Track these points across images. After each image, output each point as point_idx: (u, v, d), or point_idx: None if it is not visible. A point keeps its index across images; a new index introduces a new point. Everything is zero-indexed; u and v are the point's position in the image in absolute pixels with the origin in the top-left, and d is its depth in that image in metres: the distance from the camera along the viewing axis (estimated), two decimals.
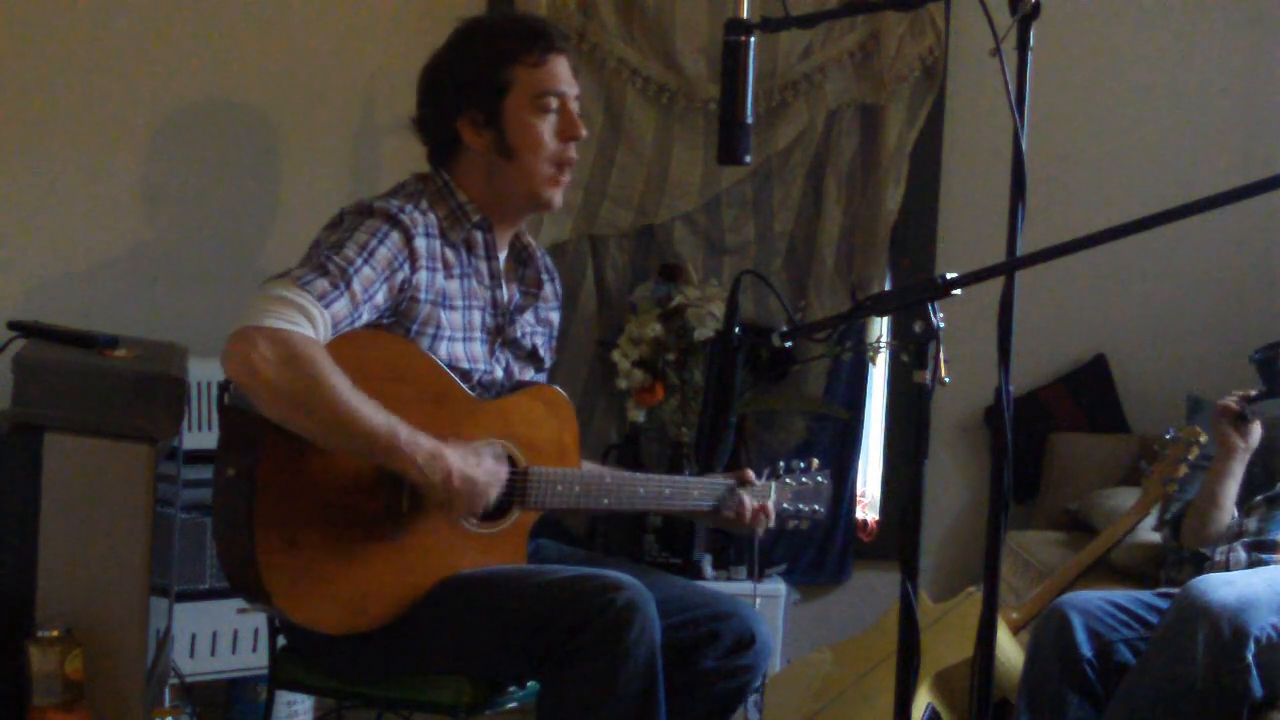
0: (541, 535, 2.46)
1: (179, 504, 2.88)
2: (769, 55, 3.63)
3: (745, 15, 1.85)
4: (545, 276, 2.46)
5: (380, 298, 2.15)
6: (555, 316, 2.50)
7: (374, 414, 2.04)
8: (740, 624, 2.30)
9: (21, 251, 3.35)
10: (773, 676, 3.15)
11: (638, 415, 3.55)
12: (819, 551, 3.81)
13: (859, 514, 3.91)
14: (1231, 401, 2.87)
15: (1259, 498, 2.95)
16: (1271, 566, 2.72)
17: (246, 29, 3.46)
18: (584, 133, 2.32)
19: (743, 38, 1.84)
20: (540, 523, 2.34)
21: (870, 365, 3.77)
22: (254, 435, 2.06)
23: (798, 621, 3.73)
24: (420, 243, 2.20)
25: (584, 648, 2.04)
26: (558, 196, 2.34)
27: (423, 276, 2.20)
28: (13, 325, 2.67)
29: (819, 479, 2.53)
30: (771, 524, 2.45)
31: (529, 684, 2.31)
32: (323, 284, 2.07)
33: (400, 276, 2.18)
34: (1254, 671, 2.39)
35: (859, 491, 3.92)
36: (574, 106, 2.31)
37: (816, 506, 2.54)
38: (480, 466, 2.12)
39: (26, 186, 3.36)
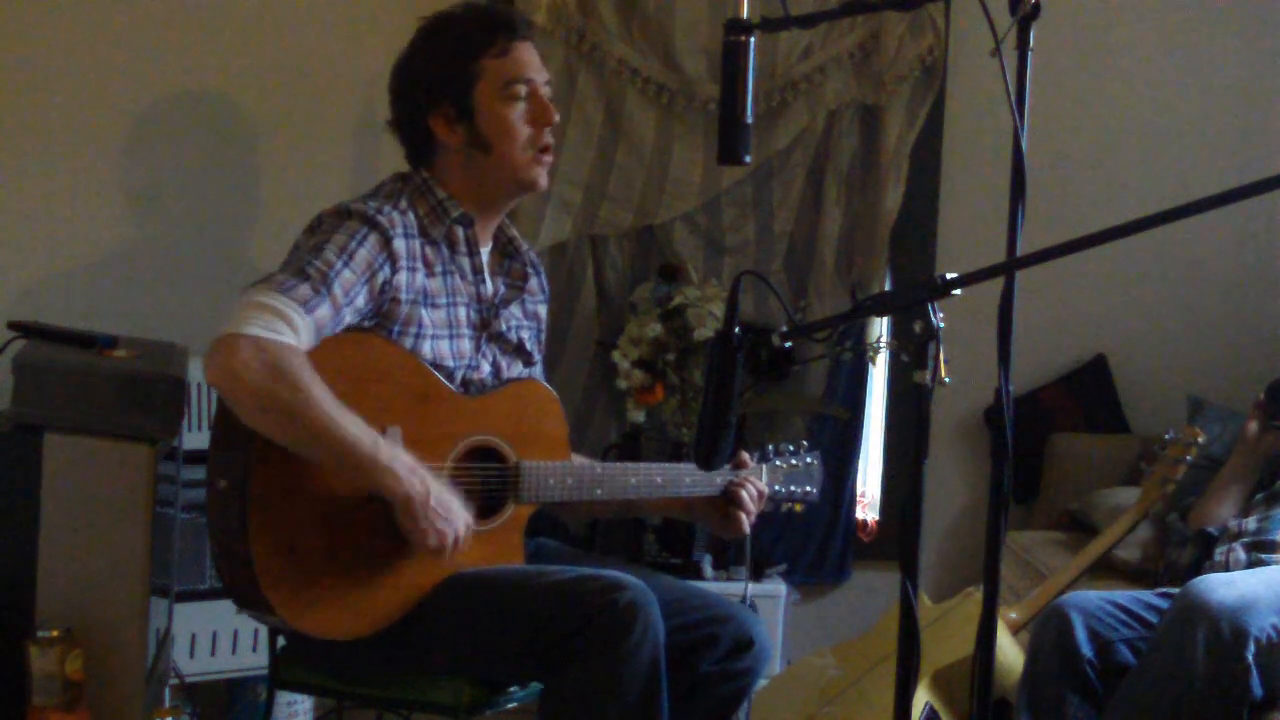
0: (541, 534, 2.46)
1: (179, 504, 2.88)
2: (769, 55, 3.62)
3: (745, 15, 1.84)
4: (531, 270, 2.45)
5: (361, 300, 2.15)
6: (543, 310, 2.49)
7: (356, 426, 2.03)
8: (738, 627, 2.30)
9: (21, 251, 3.35)
10: (774, 677, 3.15)
11: (638, 415, 3.55)
12: (819, 551, 3.80)
13: (859, 514, 3.91)
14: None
15: (1259, 496, 2.96)
16: (1271, 566, 2.72)
17: (247, 29, 3.46)
18: (556, 117, 2.31)
19: (743, 38, 1.84)
20: (539, 521, 2.34)
21: (870, 365, 3.77)
22: (244, 444, 2.06)
23: (798, 621, 3.73)
24: (399, 243, 2.20)
25: (587, 648, 2.04)
26: (543, 176, 2.33)
27: (403, 277, 2.20)
28: (13, 325, 2.67)
29: (808, 460, 2.53)
30: (764, 506, 2.45)
31: (529, 684, 2.30)
32: (305, 289, 2.07)
33: (381, 278, 2.17)
34: (1254, 672, 2.39)
35: (859, 491, 3.92)
36: (545, 92, 2.31)
37: (809, 488, 2.53)
38: (454, 497, 2.12)
39: (26, 186, 3.36)
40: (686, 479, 2.37)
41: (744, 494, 2.39)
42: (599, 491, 2.32)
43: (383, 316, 2.19)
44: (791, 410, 3.78)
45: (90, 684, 2.37)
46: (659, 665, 2.08)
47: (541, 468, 2.27)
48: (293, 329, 2.03)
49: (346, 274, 2.12)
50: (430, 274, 2.26)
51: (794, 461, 2.51)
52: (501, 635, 2.13)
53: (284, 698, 3.13)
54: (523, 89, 2.27)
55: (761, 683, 2.43)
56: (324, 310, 2.08)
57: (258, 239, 3.48)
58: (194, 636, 3.03)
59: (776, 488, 2.49)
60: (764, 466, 2.47)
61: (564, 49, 3.57)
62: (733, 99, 1.85)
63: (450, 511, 2.10)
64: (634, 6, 3.62)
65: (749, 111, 1.86)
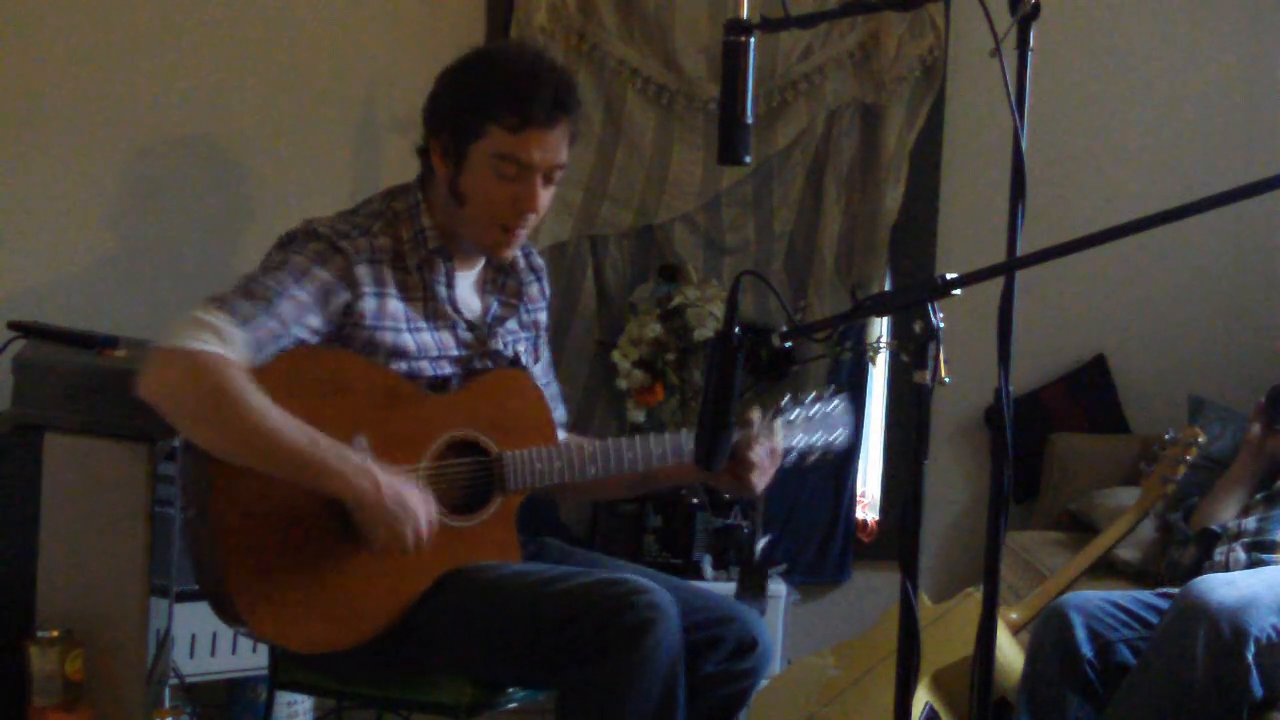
0: (544, 534, 2.45)
1: (179, 504, 2.88)
2: (769, 55, 3.62)
3: (745, 15, 1.84)
4: (531, 277, 2.42)
5: (315, 320, 2.13)
6: (543, 317, 2.46)
7: (294, 430, 2.02)
8: (742, 629, 2.28)
9: (21, 251, 3.35)
10: (774, 677, 3.15)
11: (638, 415, 3.55)
12: (819, 551, 3.80)
13: (859, 514, 3.91)
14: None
15: (1258, 496, 2.96)
16: (1271, 567, 2.73)
17: (248, 29, 3.46)
18: (540, 208, 2.23)
19: (743, 38, 1.84)
20: (541, 521, 2.33)
21: (870, 365, 3.77)
22: (202, 471, 2.06)
23: (798, 621, 3.73)
24: (362, 270, 2.17)
25: (608, 649, 2.03)
26: (506, 251, 2.28)
27: (369, 303, 2.17)
28: (13, 325, 2.67)
29: (832, 406, 2.41)
30: (790, 460, 2.36)
31: (536, 687, 2.30)
32: (245, 306, 2.06)
33: (338, 300, 2.15)
34: (1254, 672, 2.39)
35: (859, 491, 3.92)
36: (543, 179, 2.21)
37: (839, 431, 2.42)
38: (411, 490, 2.08)
39: (27, 187, 3.36)
40: (686, 445, 2.30)
41: (751, 453, 2.29)
42: (593, 470, 2.27)
43: (348, 340, 2.17)
44: None
45: (90, 684, 2.37)
46: (678, 667, 2.07)
47: (526, 455, 2.24)
48: (225, 342, 2.02)
49: (299, 293, 2.11)
50: (409, 299, 2.23)
51: (813, 411, 2.39)
52: (520, 639, 2.12)
53: (284, 698, 3.13)
54: (514, 170, 2.18)
55: (762, 683, 2.40)
56: (264, 327, 2.06)
57: (257, 240, 3.46)
58: (194, 636, 3.02)
59: (798, 439, 2.37)
60: (777, 422, 2.36)
61: (564, 49, 3.57)
62: (733, 99, 1.85)
63: (405, 507, 2.06)
64: (634, 6, 3.62)
65: (749, 111, 1.86)
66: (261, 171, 3.49)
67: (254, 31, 3.47)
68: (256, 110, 3.48)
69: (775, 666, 3.38)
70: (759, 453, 2.30)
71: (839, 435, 2.43)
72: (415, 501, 2.08)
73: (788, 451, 2.38)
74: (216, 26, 3.44)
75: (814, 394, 2.43)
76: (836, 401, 2.42)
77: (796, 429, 2.39)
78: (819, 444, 2.41)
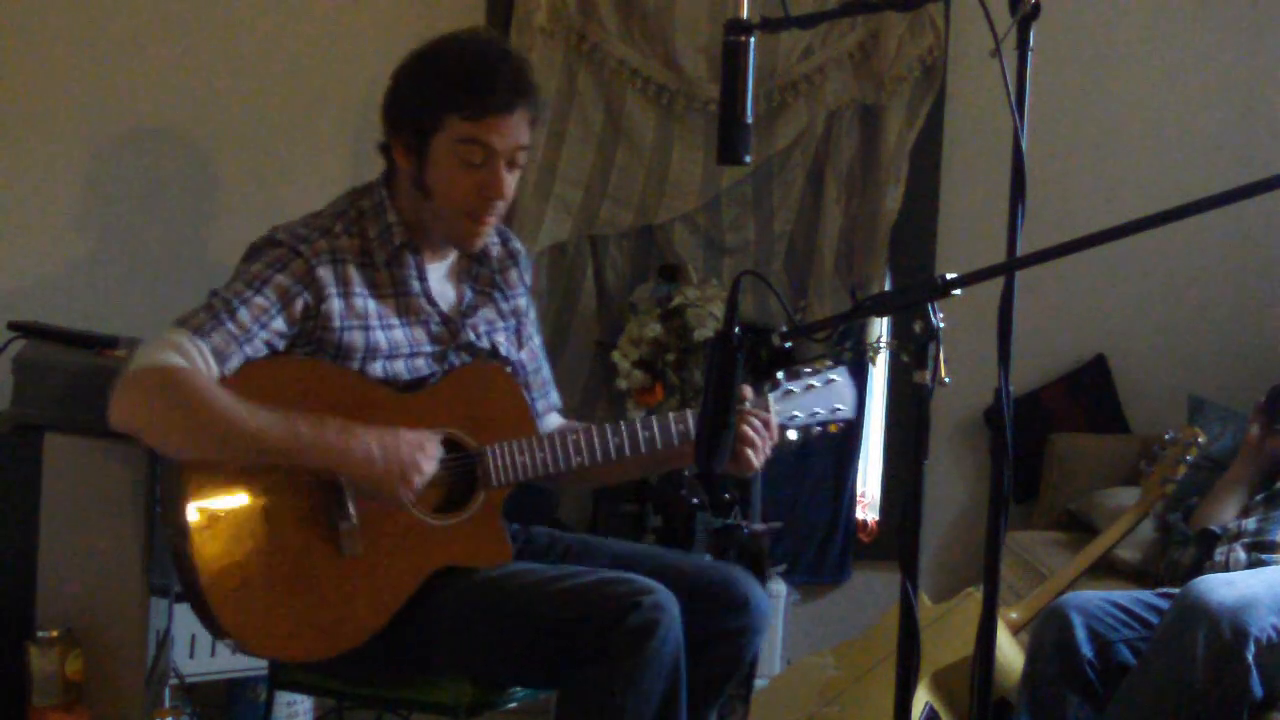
0: (537, 524, 2.44)
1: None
2: (769, 55, 3.62)
3: (745, 15, 1.84)
4: (509, 262, 2.40)
5: (279, 324, 2.14)
6: (523, 302, 2.44)
7: (266, 416, 2.04)
8: (732, 587, 2.26)
9: (21, 251, 3.35)
10: (774, 678, 3.15)
11: (637, 415, 3.55)
12: (819, 551, 3.80)
13: (859, 514, 3.91)
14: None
15: (1258, 497, 2.96)
16: (1271, 567, 2.73)
17: (248, 29, 3.46)
18: (507, 193, 2.22)
19: (743, 38, 1.84)
20: (536, 515, 2.32)
21: (870, 365, 3.77)
22: (175, 493, 2.07)
23: (798, 621, 3.73)
24: (324, 271, 2.17)
25: (611, 650, 2.03)
26: (476, 241, 2.28)
27: (334, 304, 2.17)
28: (13, 325, 2.67)
29: (830, 377, 2.36)
30: (792, 436, 2.33)
31: (539, 686, 2.29)
32: (202, 317, 2.09)
33: (300, 303, 2.15)
34: (1254, 672, 2.39)
35: (859, 491, 3.92)
36: (508, 162, 2.20)
37: (839, 406, 2.36)
38: (400, 440, 2.10)
39: (27, 186, 3.36)
40: (675, 428, 2.27)
41: (745, 428, 2.25)
42: (578, 459, 2.25)
43: (320, 343, 2.18)
44: None
45: (90, 684, 2.37)
46: (680, 663, 2.07)
47: (507, 448, 2.23)
48: (182, 354, 2.05)
49: (257, 300, 2.12)
50: (379, 296, 2.23)
51: (812, 383, 2.34)
52: (522, 639, 2.12)
53: (284, 698, 3.13)
54: (479, 155, 2.18)
55: (760, 644, 2.34)
56: (221, 335, 2.08)
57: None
58: (194, 636, 3.03)
59: (795, 415, 2.32)
60: (771, 397, 2.31)
61: (564, 49, 3.57)
62: (733, 99, 1.85)
63: (400, 457, 2.08)
64: (634, 7, 3.62)
65: (749, 111, 1.86)
66: (262, 172, 3.50)
67: (254, 31, 3.47)
68: (256, 110, 3.48)
69: (774, 663, 3.38)
70: (752, 426, 2.26)
71: (843, 405, 2.37)
72: (408, 453, 2.09)
73: (785, 426, 2.32)
74: (216, 27, 3.44)
75: (811, 367, 2.37)
76: (835, 375, 2.37)
77: (796, 400, 2.34)
78: (823, 415, 2.35)
